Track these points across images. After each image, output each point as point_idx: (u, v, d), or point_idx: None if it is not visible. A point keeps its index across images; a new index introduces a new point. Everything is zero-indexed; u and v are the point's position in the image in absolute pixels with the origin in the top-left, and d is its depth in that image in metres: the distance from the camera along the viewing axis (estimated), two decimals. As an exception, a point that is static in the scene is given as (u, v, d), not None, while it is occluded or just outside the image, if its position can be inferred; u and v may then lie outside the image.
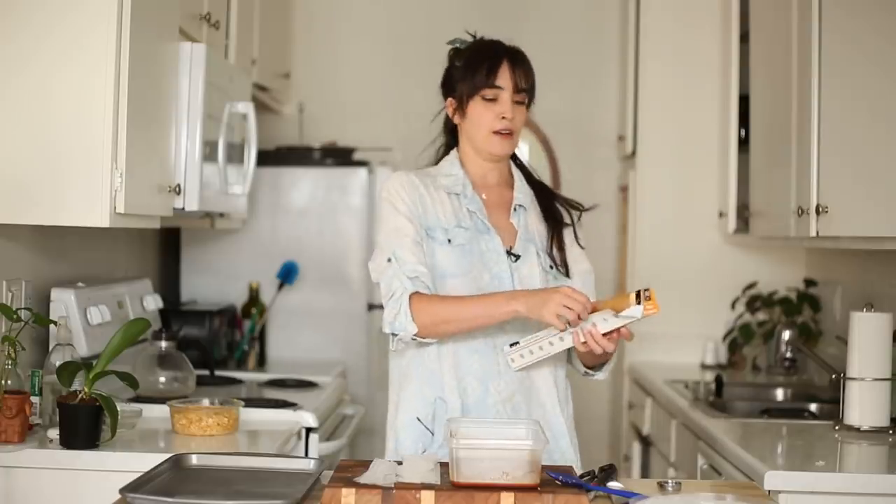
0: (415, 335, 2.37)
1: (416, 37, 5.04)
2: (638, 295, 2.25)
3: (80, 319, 2.99)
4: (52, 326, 2.83)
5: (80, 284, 3.09)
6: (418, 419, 2.47)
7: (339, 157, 4.46)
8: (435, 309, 2.35)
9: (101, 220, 2.56)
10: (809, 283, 4.19)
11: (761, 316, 4.30)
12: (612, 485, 2.12)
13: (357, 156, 4.54)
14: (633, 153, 4.59)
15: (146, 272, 3.95)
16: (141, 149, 2.70)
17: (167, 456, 2.24)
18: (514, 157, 2.60)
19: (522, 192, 2.55)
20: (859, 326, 2.95)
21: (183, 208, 3.05)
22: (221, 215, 3.77)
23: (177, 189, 3.01)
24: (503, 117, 2.44)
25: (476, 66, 2.46)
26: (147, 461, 2.28)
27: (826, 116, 3.10)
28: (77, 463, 2.47)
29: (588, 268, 2.55)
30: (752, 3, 3.98)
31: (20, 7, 2.55)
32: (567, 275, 2.50)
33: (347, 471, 2.09)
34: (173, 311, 3.91)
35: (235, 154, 3.49)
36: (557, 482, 2.05)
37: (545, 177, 4.95)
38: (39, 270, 3.02)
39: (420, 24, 5.03)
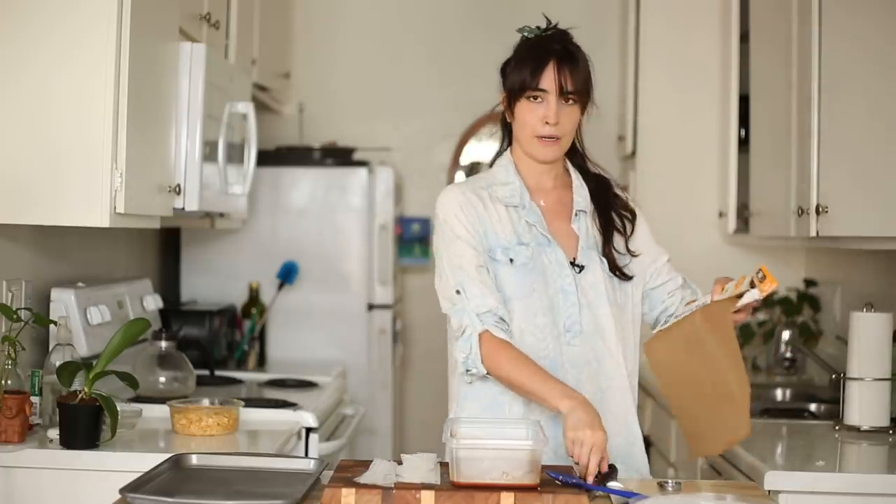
0: (487, 374, 2.34)
1: (416, 37, 5.05)
2: (753, 282, 2.24)
3: (80, 319, 2.99)
4: (52, 326, 2.83)
5: (80, 284, 3.09)
6: None
7: (339, 157, 4.47)
8: (501, 365, 2.29)
9: (101, 220, 2.56)
10: (809, 283, 4.19)
11: (761, 316, 4.29)
12: (612, 485, 2.12)
13: (357, 156, 4.54)
14: (633, 153, 4.59)
15: (146, 272, 3.95)
16: (141, 149, 2.70)
17: (167, 456, 2.24)
18: (570, 151, 2.50)
19: (581, 195, 2.47)
20: (859, 326, 2.95)
21: (183, 208, 3.05)
22: (221, 215, 3.77)
23: (177, 189, 3.01)
24: (547, 122, 2.36)
25: (522, 65, 2.37)
26: (147, 461, 2.28)
27: (826, 116, 3.10)
28: (77, 463, 2.47)
29: (647, 261, 2.48)
30: (752, 3, 3.98)
31: (20, 7, 2.55)
32: (625, 278, 2.44)
33: (347, 471, 2.09)
34: (173, 311, 3.91)
35: (235, 154, 3.49)
36: (557, 482, 2.05)
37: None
38: (39, 270, 3.02)
39: (420, 24, 5.03)
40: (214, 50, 3.28)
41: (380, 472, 2.02)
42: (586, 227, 2.45)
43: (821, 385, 3.83)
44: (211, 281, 4.33)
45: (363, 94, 5.00)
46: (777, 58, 3.50)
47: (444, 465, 2.09)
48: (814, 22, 3.11)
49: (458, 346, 2.34)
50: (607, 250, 2.44)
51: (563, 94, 2.35)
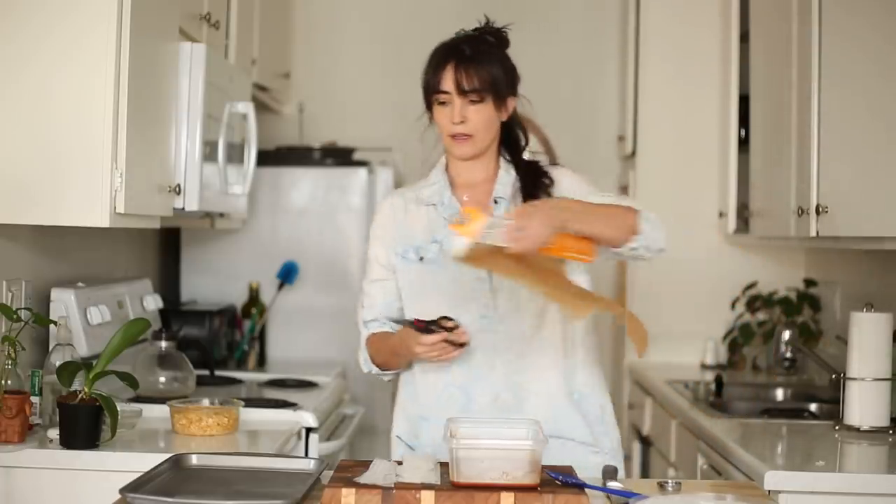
0: (385, 371, 2.53)
1: (417, 36, 5.00)
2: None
3: (80, 319, 2.99)
4: (52, 326, 2.83)
5: (80, 284, 3.09)
6: (398, 437, 2.55)
7: (339, 157, 4.46)
8: (373, 352, 2.52)
9: (101, 220, 2.56)
10: (809, 283, 4.20)
11: (761, 316, 4.30)
12: (612, 485, 2.13)
13: (357, 156, 4.54)
14: (633, 153, 4.59)
15: (146, 272, 3.95)
16: (141, 149, 2.70)
17: (167, 456, 2.24)
18: (507, 142, 2.54)
19: (503, 183, 2.50)
20: (859, 326, 2.95)
21: (183, 208, 3.05)
22: (221, 215, 3.77)
23: (177, 189, 3.01)
24: (453, 121, 2.42)
25: (428, 69, 2.47)
26: (147, 461, 2.28)
27: (826, 116, 3.10)
28: (77, 463, 2.47)
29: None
30: (752, 3, 3.98)
31: (20, 7, 2.55)
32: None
33: (347, 471, 2.09)
34: (173, 311, 3.91)
35: (235, 154, 3.49)
36: (557, 482, 2.05)
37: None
38: (39, 270, 3.02)
39: (420, 23, 5.02)
40: (214, 50, 3.28)
41: (380, 472, 2.02)
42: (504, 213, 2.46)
43: (821, 385, 3.83)
44: (211, 281, 4.33)
45: (363, 94, 5.00)
46: (777, 57, 3.50)
47: (444, 465, 2.10)
48: (814, 22, 3.11)
49: (360, 355, 2.54)
50: None
51: (463, 93, 2.41)
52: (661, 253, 2.37)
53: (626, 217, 2.32)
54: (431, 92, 2.45)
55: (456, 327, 2.31)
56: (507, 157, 2.54)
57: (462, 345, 2.31)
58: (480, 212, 2.18)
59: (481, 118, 2.43)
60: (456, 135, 2.44)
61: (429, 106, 2.48)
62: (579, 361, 2.51)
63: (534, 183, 2.50)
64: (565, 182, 2.49)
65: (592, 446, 2.47)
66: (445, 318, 2.32)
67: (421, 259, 2.47)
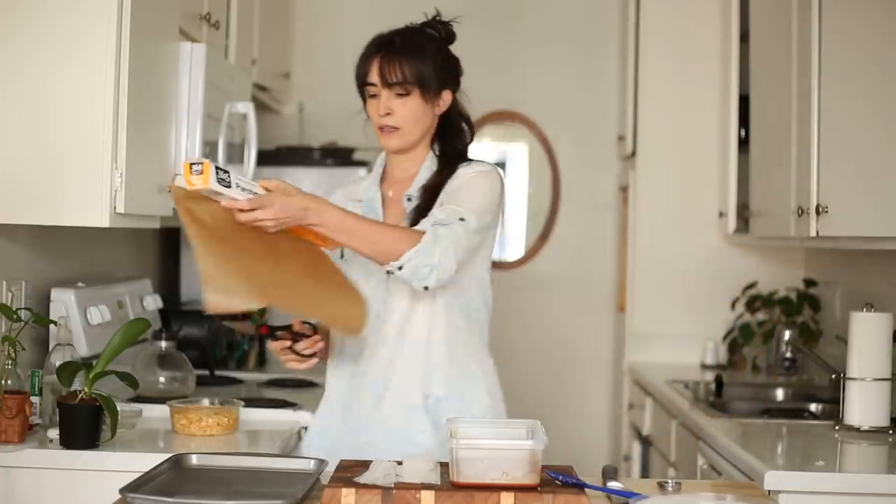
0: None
1: (416, 37, 5.04)
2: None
3: (80, 319, 2.99)
4: (52, 326, 2.83)
5: (80, 284, 3.09)
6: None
7: (339, 157, 4.46)
8: None
9: (101, 220, 2.56)
10: (809, 283, 4.20)
11: (761, 316, 4.30)
12: (612, 485, 2.12)
13: (357, 156, 4.54)
14: (633, 153, 4.59)
15: (146, 272, 3.95)
16: (141, 149, 2.70)
17: (167, 456, 2.23)
18: (445, 136, 2.51)
19: (419, 181, 2.47)
20: (859, 326, 2.95)
21: (183, 208, 3.05)
22: (221, 215, 3.76)
23: (177, 189, 3.01)
24: (379, 114, 2.41)
25: (359, 61, 2.46)
26: (147, 461, 2.28)
27: (826, 116, 3.10)
28: (77, 463, 2.47)
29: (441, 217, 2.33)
30: (752, 2, 3.98)
31: (20, 7, 2.55)
32: None
33: (347, 471, 2.09)
34: (173, 311, 3.90)
35: (235, 154, 3.49)
36: (557, 482, 2.05)
37: (545, 177, 4.98)
38: (39, 270, 3.02)
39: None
40: (214, 50, 3.28)
41: (380, 472, 2.02)
42: (416, 213, 2.45)
43: (821, 385, 3.83)
44: (211, 281, 4.31)
45: (363, 94, 5.00)
46: (777, 57, 3.50)
47: (444, 465, 2.10)
48: (814, 21, 3.11)
49: None
50: None
51: (388, 85, 2.40)
52: (426, 290, 2.29)
53: (393, 242, 2.25)
54: (361, 85, 2.44)
55: (304, 334, 2.32)
56: (437, 152, 2.51)
57: (312, 356, 2.36)
58: (209, 172, 2.06)
59: (408, 111, 2.42)
60: (383, 127, 2.43)
61: (364, 99, 2.47)
62: (439, 363, 2.44)
63: (438, 174, 2.48)
64: (456, 181, 2.44)
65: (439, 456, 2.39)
66: (306, 323, 2.32)
67: (342, 257, 2.48)
